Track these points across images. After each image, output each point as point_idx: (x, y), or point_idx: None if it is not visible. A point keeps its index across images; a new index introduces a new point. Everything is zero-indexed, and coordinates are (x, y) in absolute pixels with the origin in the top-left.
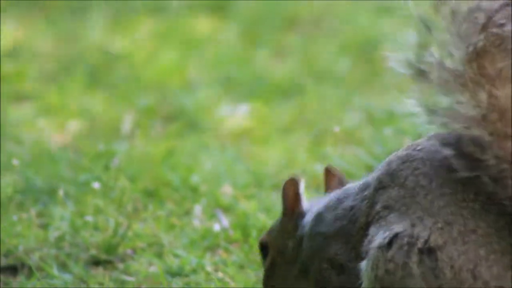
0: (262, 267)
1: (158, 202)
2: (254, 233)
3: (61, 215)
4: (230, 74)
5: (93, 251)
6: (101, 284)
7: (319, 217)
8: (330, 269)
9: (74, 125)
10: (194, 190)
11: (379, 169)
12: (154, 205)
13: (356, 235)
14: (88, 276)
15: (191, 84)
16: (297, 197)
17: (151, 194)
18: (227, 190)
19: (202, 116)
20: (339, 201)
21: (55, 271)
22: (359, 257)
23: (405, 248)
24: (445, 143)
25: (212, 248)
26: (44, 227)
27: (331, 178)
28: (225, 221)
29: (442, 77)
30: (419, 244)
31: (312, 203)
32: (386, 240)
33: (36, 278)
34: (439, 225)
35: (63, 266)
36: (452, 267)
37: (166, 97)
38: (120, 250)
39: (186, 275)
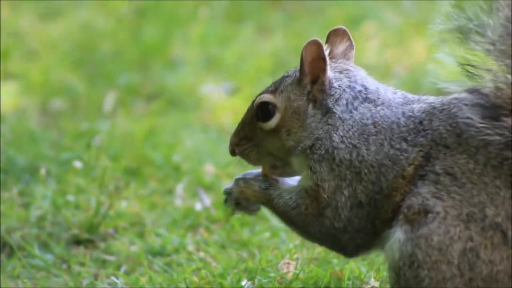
0: (253, 130)
1: (140, 181)
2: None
3: (43, 194)
4: (214, 53)
5: (75, 231)
6: (82, 263)
7: (364, 129)
8: (347, 199)
9: (57, 104)
10: (176, 168)
11: (438, 116)
12: (136, 183)
13: (392, 179)
14: (69, 255)
15: (174, 62)
16: (322, 60)
17: (133, 173)
18: (209, 169)
19: (185, 94)
20: (388, 124)
21: (36, 250)
22: (389, 205)
23: (453, 241)
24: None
25: (194, 228)
26: (26, 206)
27: (338, 42)
28: (207, 200)
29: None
30: (468, 244)
31: (335, 68)
32: (436, 227)
33: (17, 257)
34: (499, 219)
35: (44, 246)
36: (491, 269)
37: (148, 75)
38: (102, 229)
39: (168, 255)
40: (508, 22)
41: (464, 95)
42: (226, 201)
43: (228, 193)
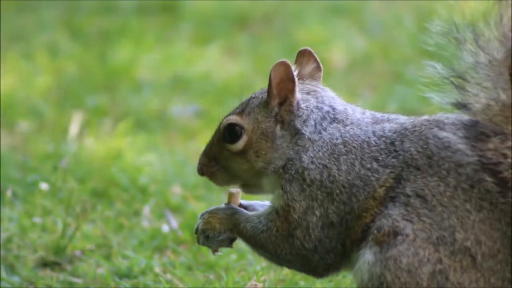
0: (220, 151)
1: (106, 203)
2: None
3: (9, 216)
4: (180, 74)
5: (41, 253)
6: (49, 286)
7: (334, 149)
8: (318, 219)
9: (23, 126)
10: (143, 190)
11: (409, 137)
12: (102, 205)
13: (363, 200)
14: (36, 278)
15: (141, 84)
16: (291, 81)
17: (99, 195)
18: (176, 191)
19: (152, 116)
20: (358, 144)
21: (3, 273)
22: (359, 226)
23: (422, 263)
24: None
25: (161, 249)
26: None
27: (305, 63)
28: (174, 222)
29: (479, 58)
30: (438, 266)
31: (302, 89)
32: (405, 249)
33: None
34: (468, 243)
35: (11, 268)
36: None
37: (115, 97)
38: (68, 251)
39: (135, 277)
40: (505, 38)
41: (441, 114)
42: (198, 240)
43: (196, 229)
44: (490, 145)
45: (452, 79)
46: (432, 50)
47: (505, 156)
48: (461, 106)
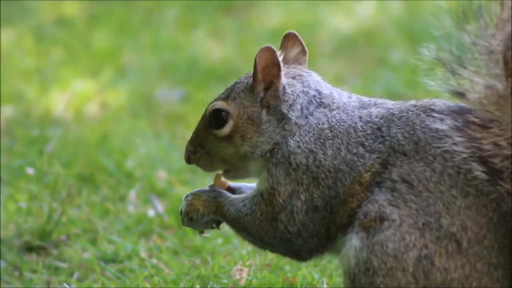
0: (207, 137)
1: (92, 188)
2: None
3: None
4: (166, 59)
5: (27, 237)
6: (34, 270)
7: (320, 134)
8: (303, 204)
9: (8, 110)
10: (129, 175)
11: (396, 122)
12: (88, 190)
13: (348, 185)
14: (22, 262)
15: (126, 68)
16: (276, 67)
17: (85, 180)
18: (162, 176)
19: (137, 101)
20: (344, 128)
21: None
22: (345, 211)
23: (408, 248)
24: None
25: (146, 234)
26: None
27: (290, 47)
28: (160, 206)
29: (480, 44)
30: (423, 251)
31: (288, 74)
32: (391, 234)
33: None
34: (454, 229)
35: None
36: (445, 277)
37: (100, 82)
38: (54, 236)
39: (120, 261)
40: (502, 27)
41: (428, 99)
42: (182, 221)
43: (181, 211)
44: (488, 136)
45: (447, 63)
46: (432, 33)
47: (500, 147)
48: (459, 95)
